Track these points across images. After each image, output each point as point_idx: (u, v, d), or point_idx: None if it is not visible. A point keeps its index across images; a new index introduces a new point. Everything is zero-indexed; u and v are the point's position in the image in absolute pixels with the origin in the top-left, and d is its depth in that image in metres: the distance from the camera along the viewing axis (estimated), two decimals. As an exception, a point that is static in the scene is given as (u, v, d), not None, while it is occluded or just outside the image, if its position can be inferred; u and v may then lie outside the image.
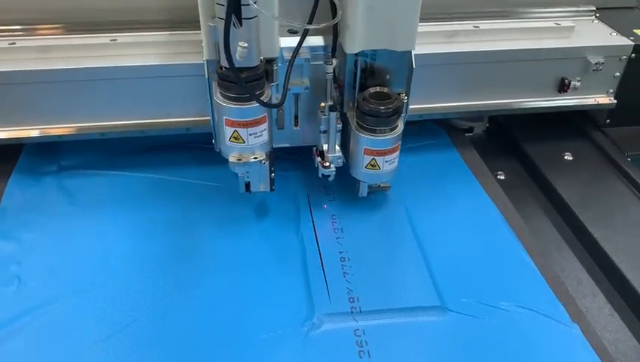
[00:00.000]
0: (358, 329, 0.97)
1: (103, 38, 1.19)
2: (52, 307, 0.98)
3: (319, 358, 0.93)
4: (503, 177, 1.35)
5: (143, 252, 1.09)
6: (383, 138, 1.07)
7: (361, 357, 0.92)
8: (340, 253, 1.11)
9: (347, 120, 1.12)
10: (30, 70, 1.13)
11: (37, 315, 0.97)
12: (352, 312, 1.00)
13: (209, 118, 1.10)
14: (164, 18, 1.23)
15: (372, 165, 1.10)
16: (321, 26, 0.96)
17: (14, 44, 1.17)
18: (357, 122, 1.08)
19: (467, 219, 1.19)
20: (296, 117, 1.18)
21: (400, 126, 1.09)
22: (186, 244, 1.12)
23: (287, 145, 1.22)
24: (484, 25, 1.31)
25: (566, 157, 1.38)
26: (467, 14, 1.33)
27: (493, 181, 1.30)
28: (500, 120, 1.47)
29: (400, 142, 1.10)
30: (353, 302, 1.01)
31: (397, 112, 1.06)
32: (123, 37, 1.20)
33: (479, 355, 0.94)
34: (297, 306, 1.00)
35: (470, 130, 1.47)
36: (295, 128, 1.19)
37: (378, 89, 1.08)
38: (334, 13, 0.98)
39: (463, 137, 1.44)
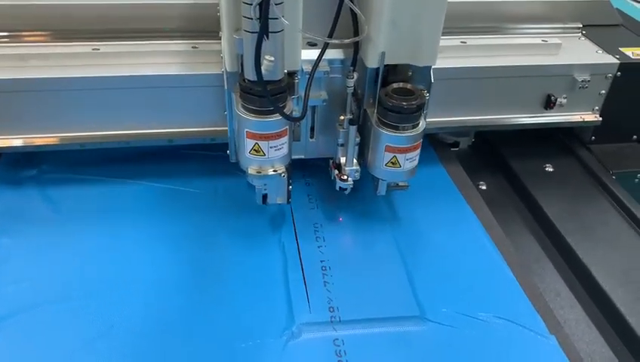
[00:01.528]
0: (337, 339, 0.97)
1: (85, 47, 1.17)
2: (26, 315, 0.97)
3: None
4: (484, 188, 1.36)
5: (124, 261, 1.08)
6: (405, 135, 1.05)
7: (340, 367, 0.93)
8: (321, 261, 1.11)
9: (367, 116, 1.10)
10: (4, 79, 1.10)
11: (14, 321, 0.96)
12: (331, 322, 1.00)
13: (194, 129, 1.10)
14: (148, 27, 1.22)
15: (393, 163, 1.08)
16: (346, 41, 0.97)
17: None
18: (378, 118, 1.06)
19: (449, 231, 1.20)
20: (312, 129, 1.18)
21: (422, 123, 1.07)
22: (166, 254, 1.10)
23: (302, 156, 1.21)
24: (472, 40, 1.31)
25: (550, 172, 1.39)
26: (454, 29, 1.33)
27: (475, 192, 1.31)
28: (485, 135, 1.48)
29: (422, 140, 1.08)
30: (333, 311, 1.01)
31: (420, 108, 1.04)
32: (105, 46, 1.18)
33: (458, 366, 0.95)
34: (277, 315, 1.00)
35: (456, 144, 1.47)
36: (311, 140, 1.19)
37: (401, 84, 1.05)
38: (358, 29, 0.98)
39: (448, 151, 1.44)
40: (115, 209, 1.20)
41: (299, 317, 0.99)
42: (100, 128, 1.19)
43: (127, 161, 1.30)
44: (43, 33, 1.19)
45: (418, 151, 1.09)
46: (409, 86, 1.06)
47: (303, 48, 1.03)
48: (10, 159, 1.29)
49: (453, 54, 1.29)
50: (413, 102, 1.03)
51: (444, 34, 1.29)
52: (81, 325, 0.96)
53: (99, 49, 1.17)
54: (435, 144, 1.45)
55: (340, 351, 0.95)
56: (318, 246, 1.14)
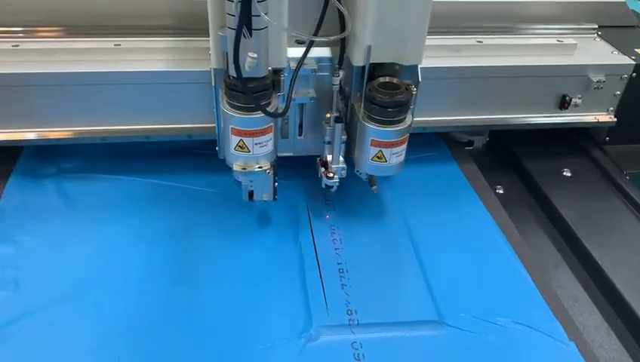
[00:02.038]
0: (355, 342, 0.96)
1: (107, 43, 1.19)
2: (48, 311, 0.98)
3: None
4: (501, 191, 1.36)
5: (142, 258, 1.09)
6: (391, 129, 1.06)
7: (358, 371, 0.93)
8: (338, 264, 1.11)
9: (354, 111, 1.11)
10: (33, 73, 1.13)
11: (33, 319, 0.96)
12: (349, 324, 0.99)
13: (213, 125, 1.11)
14: (168, 24, 1.24)
15: (378, 157, 1.08)
16: (331, 38, 0.97)
17: (18, 46, 1.16)
18: (364, 112, 1.06)
19: (466, 233, 1.19)
20: (300, 126, 1.18)
21: (409, 118, 1.07)
22: (185, 252, 1.11)
23: (291, 154, 1.22)
24: (488, 40, 1.31)
25: (565, 174, 1.38)
26: (470, 29, 1.34)
27: (492, 195, 1.30)
28: (499, 134, 1.47)
29: (408, 135, 1.09)
30: (351, 314, 1.01)
31: (406, 103, 1.04)
32: (127, 42, 1.20)
33: (476, 371, 0.94)
34: (295, 317, 1.00)
35: (470, 143, 1.47)
36: (299, 138, 1.20)
37: (387, 79, 1.06)
38: (344, 26, 0.99)
39: (462, 150, 1.44)
40: (129, 205, 1.21)
41: (317, 319, 0.99)
42: (121, 123, 1.21)
43: (144, 157, 1.32)
44: (66, 28, 1.23)
45: (404, 146, 1.09)
46: (395, 80, 1.06)
47: (291, 46, 1.04)
48: (30, 155, 1.31)
49: (469, 53, 1.29)
50: (400, 97, 1.03)
51: (460, 33, 1.32)
52: (98, 323, 0.97)
53: (120, 44, 1.19)
54: (449, 142, 1.45)
55: (358, 354, 0.95)
56: (335, 249, 1.14)
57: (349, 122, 1.12)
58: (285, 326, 0.98)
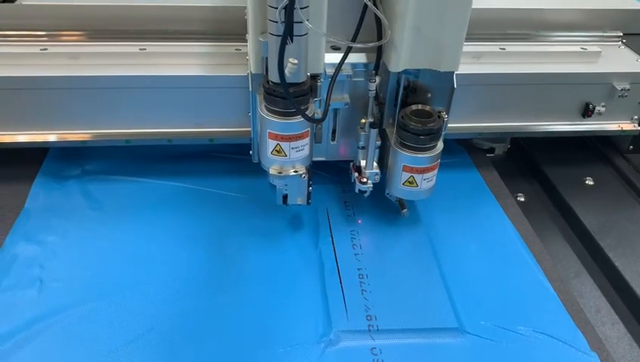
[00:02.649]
0: (375, 348, 0.97)
1: (133, 47, 1.20)
2: (73, 311, 0.99)
3: None
4: (523, 199, 1.36)
5: (165, 260, 1.10)
6: (423, 156, 1.08)
7: (378, 377, 0.93)
8: (358, 269, 1.11)
9: (386, 136, 1.13)
10: (62, 76, 1.14)
11: (58, 319, 0.98)
12: (369, 330, 0.99)
13: (236, 129, 1.12)
14: (193, 29, 1.26)
15: (410, 182, 1.11)
16: (369, 45, 0.99)
17: (46, 49, 1.18)
18: (397, 139, 1.09)
19: (487, 241, 1.19)
20: (333, 131, 1.19)
21: (440, 144, 1.09)
22: (210, 256, 1.12)
23: (324, 158, 1.22)
24: (511, 47, 1.31)
25: (587, 182, 1.38)
26: (494, 35, 1.34)
27: (513, 203, 1.30)
28: (520, 141, 1.47)
29: (439, 160, 1.10)
30: (371, 319, 1.01)
31: (438, 131, 1.07)
32: (151, 46, 1.22)
33: (496, 380, 0.94)
34: (315, 322, 1.01)
35: (491, 150, 1.47)
36: (332, 143, 1.20)
37: (420, 106, 1.08)
38: (382, 33, 1.00)
39: (483, 157, 1.44)
40: (154, 207, 1.22)
41: (337, 324, 1.00)
42: (143, 126, 1.23)
43: (165, 161, 1.33)
44: (91, 33, 1.24)
45: (435, 171, 1.12)
46: (428, 108, 1.08)
47: (327, 52, 1.05)
48: (55, 157, 1.33)
49: (493, 60, 1.29)
50: (432, 125, 1.05)
51: (483, 40, 1.32)
52: (122, 323, 0.98)
53: (145, 49, 1.20)
54: (469, 149, 1.45)
55: (377, 359, 0.95)
56: (355, 254, 1.15)
57: (382, 137, 1.14)
58: (305, 330, 0.99)
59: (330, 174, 1.30)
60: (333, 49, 1.10)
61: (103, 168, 1.31)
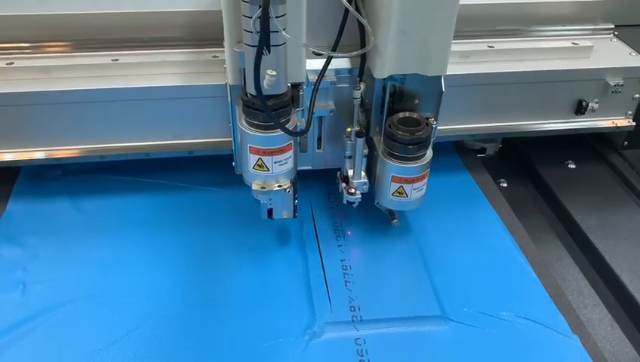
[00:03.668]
0: (359, 339, 0.98)
1: (105, 57, 1.15)
2: (56, 312, 0.99)
3: None
4: (505, 185, 1.35)
5: (147, 259, 1.09)
6: (412, 166, 1.03)
7: (361, 367, 0.94)
8: (341, 261, 1.12)
9: (373, 144, 1.08)
10: (28, 92, 1.09)
11: (42, 320, 0.98)
12: (353, 321, 1.00)
13: (217, 139, 1.11)
14: (168, 35, 1.20)
15: (399, 193, 1.07)
16: (352, 55, 0.95)
17: (12, 63, 1.12)
18: (385, 148, 1.04)
19: (469, 228, 1.19)
20: (319, 139, 1.15)
21: (429, 153, 1.05)
22: (189, 254, 1.11)
23: (309, 167, 1.19)
24: (500, 44, 1.27)
25: (575, 172, 1.36)
26: (482, 32, 1.29)
27: (496, 191, 1.29)
28: (513, 140, 1.43)
29: (429, 169, 1.07)
30: (354, 310, 1.02)
31: (427, 140, 1.02)
32: (125, 56, 1.16)
33: (479, 365, 0.95)
34: (299, 314, 1.01)
35: (482, 150, 1.43)
36: (318, 151, 1.17)
37: (407, 114, 1.03)
38: (365, 40, 0.95)
39: (474, 158, 1.41)
40: (137, 206, 1.21)
41: (320, 316, 1.01)
42: (120, 140, 1.18)
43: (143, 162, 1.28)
44: (63, 43, 1.18)
45: (425, 180, 1.08)
46: (415, 115, 1.03)
47: (309, 58, 1.00)
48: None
49: (481, 59, 1.25)
50: (420, 133, 1.01)
51: (470, 37, 1.27)
52: (106, 323, 0.98)
53: (118, 59, 1.15)
54: (459, 149, 1.42)
55: (361, 350, 0.96)
56: (339, 246, 1.15)
57: (369, 147, 1.09)
58: (289, 322, 1.00)
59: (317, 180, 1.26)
60: (316, 54, 1.04)
61: (84, 167, 1.28)
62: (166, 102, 1.14)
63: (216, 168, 1.27)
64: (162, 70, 1.15)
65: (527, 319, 1.01)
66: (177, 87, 1.12)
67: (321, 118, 1.11)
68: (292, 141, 0.98)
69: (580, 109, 1.29)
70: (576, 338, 0.98)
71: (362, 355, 0.95)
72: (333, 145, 1.16)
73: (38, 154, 1.17)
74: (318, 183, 1.28)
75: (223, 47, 0.97)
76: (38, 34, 1.16)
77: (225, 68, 0.98)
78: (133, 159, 1.20)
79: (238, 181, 1.08)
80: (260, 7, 0.78)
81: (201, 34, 1.20)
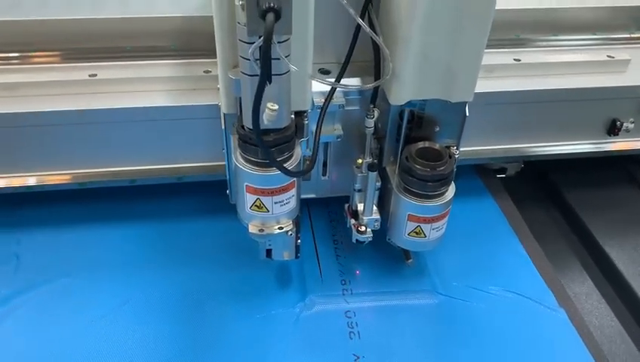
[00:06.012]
0: (349, 311, 1.00)
1: (82, 72, 1.02)
2: (50, 285, 1.00)
3: (310, 338, 0.96)
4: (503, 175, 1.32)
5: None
6: (431, 204, 0.91)
7: (351, 338, 0.96)
8: (332, 235, 1.14)
9: (386, 175, 0.97)
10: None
11: (36, 293, 0.99)
12: (343, 294, 1.03)
13: (209, 163, 1.04)
14: (152, 45, 1.07)
15: (416, 233, 0.95)
16: (366, 87, 0.85)
17: (-25, 80, 0.99)
18: (400, 182, 0.92)
19: (461, 205, 1.07)
20: (324, 165, 1.05)
21: (451, 188, 0.92)
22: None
23: (313, 196, 1.09)
24: (526, 57, 1.13)
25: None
26: (505, 41, 1.18)
27: (496, 181, 1.29)
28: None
29: (450, 207, 0.94)
30: (345, 284, 1.05)
31: (450, 175, 0.89)
32: (104, 69, 1.03)
33: (467, 337, 0.97)
34: (290, 287, 1.04)
35: (502, 170, 1.30)
36: (323, 178, 1.07)
37: (427, 144, 0.91)
38: (380, 62, 0.84)
39: (493, 178, 1.31)
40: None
41: (312, 289, 1.03)
42: (101, 165, 1.07)
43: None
44: (33, 54, 1.05)
45: (446, 219, 0.96)
46: (437, 146, 0.92)
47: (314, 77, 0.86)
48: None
49: (506, 73, 1.12)
50: (441, 168, 0.88)
51: (492, 46, 1.13)
52: (99, 295, 0.99)
53: (96, 74, 1.01)
54: (478, 169, 1.32)
55: (351, 322, 0.98)
56: (330, 221, 1.17)
57: (382, 179, 0.98)
58: (281, 295, 1.02)
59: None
60: (322, 73, 0.93)
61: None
62: (150, 123, 1.01)
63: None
64: (147, 87, 1.01)
65: (515, 293, 1.04)
66: (162, 107, 1.00)
67: (327, 144, 1.01)
68: (295, 178, 0.85)
69: (613, 129, 1.18)
70: (563, 312, 1.01)
71: (352, 327, 0.97)
72: (339, 171, 1.05)
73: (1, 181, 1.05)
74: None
75: (216, 59, 0.83)
76: (4, 42, 1.02)
77: (218, 88, 0.84)
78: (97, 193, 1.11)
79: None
80: (260, 36, 0.63)
81: (191, 43, 1.07)
